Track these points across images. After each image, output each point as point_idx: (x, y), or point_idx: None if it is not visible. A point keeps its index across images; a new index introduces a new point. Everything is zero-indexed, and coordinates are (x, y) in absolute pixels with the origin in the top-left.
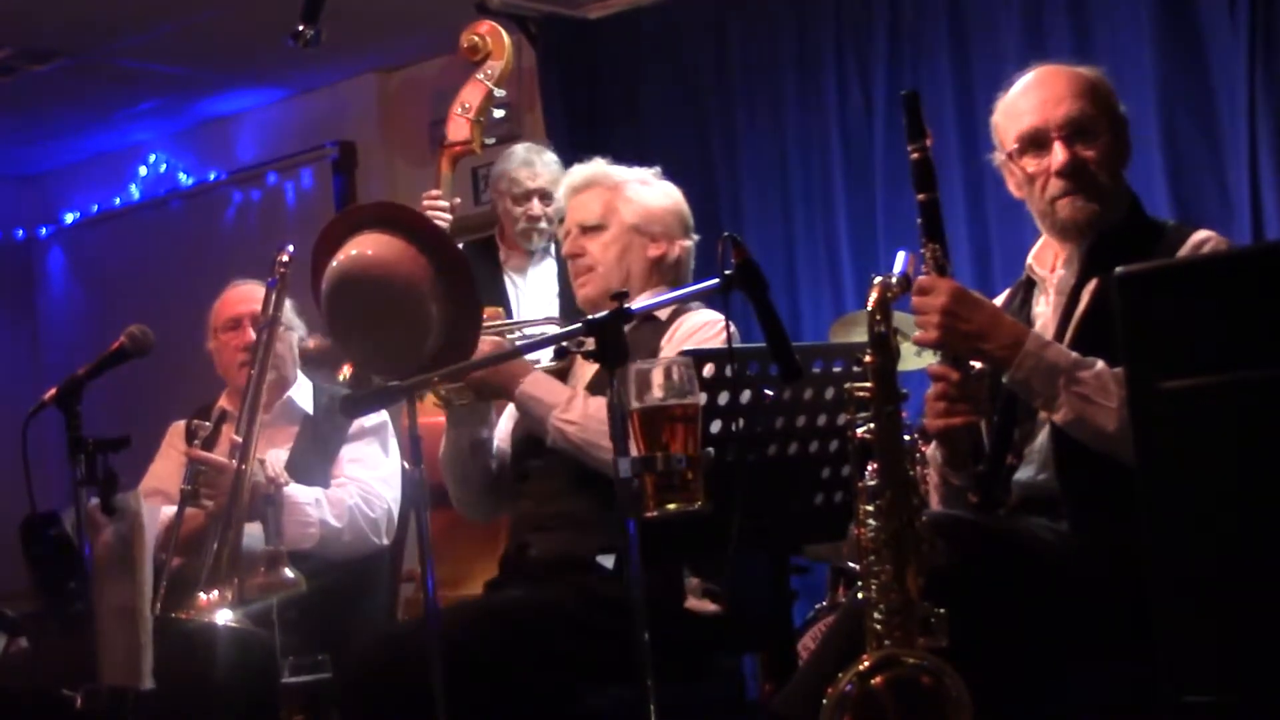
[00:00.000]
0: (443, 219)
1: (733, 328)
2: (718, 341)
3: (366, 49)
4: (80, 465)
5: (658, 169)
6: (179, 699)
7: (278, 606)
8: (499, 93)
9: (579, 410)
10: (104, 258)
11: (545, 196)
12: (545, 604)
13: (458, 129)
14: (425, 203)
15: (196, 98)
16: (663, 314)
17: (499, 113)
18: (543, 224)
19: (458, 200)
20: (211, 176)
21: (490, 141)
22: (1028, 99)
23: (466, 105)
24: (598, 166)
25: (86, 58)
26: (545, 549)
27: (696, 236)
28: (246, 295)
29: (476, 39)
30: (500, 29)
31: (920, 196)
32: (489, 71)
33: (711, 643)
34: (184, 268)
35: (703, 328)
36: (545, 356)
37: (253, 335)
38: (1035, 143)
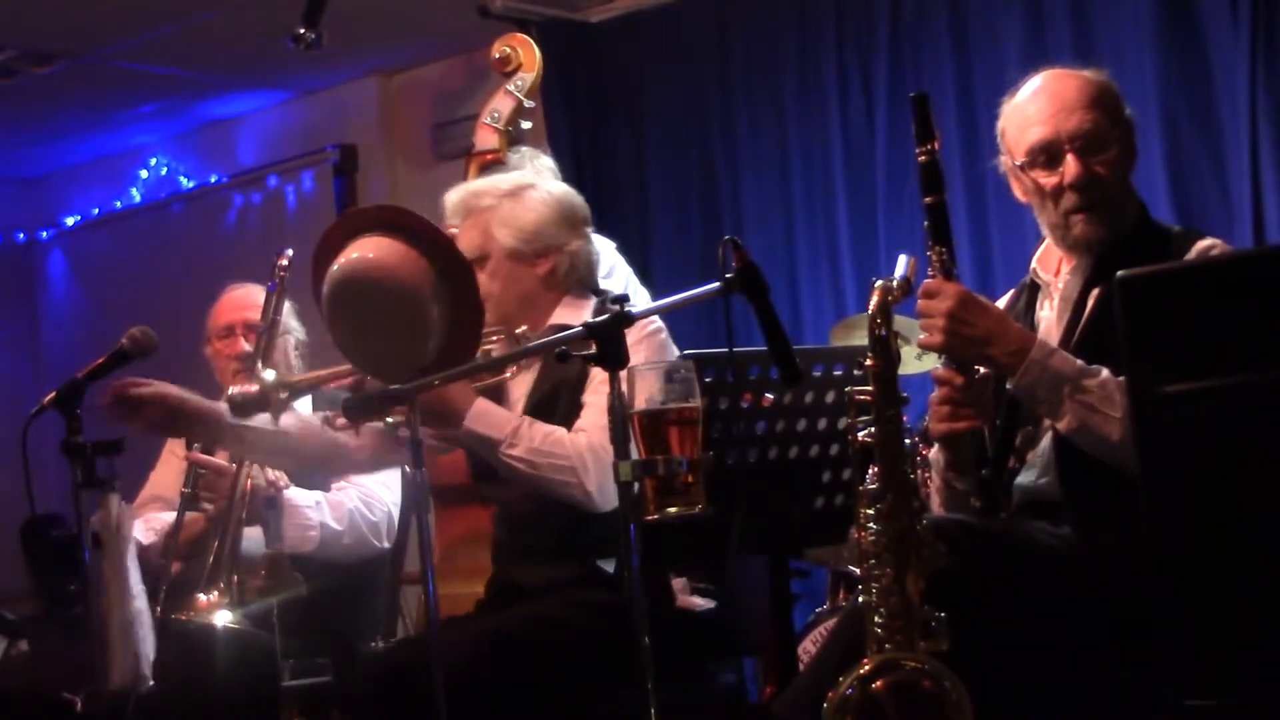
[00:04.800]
0: None
1: (659, 322)
2: (648, 342)
3: (367, 52)
4: (79, 468)
5: (543, 159)
6: (179, 700)
7: (278, 609)
8: (528, 104)
9: (525, 445)
10: (105, 260)
11: None
12: (544, 620)
13: (486, 138)
14: None
15: (197, 100)
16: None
17: (526, 124)
18: None
19: None
20: (212, 179)
21: (516, 153)
22: (1038, 107)
23: (497, 114)
24: (468, 189)
25: (87, 60)
26: (527, 579)
27: (590, 227)
28: (241, 301)
29: (509, 50)
30: (531, 41)
31: (927, 199)
32: (519, 83)
33: (708, 642)
34: (185, 270)
35: (645, 327)
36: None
37: (244, 346)
38: (1047, 155)
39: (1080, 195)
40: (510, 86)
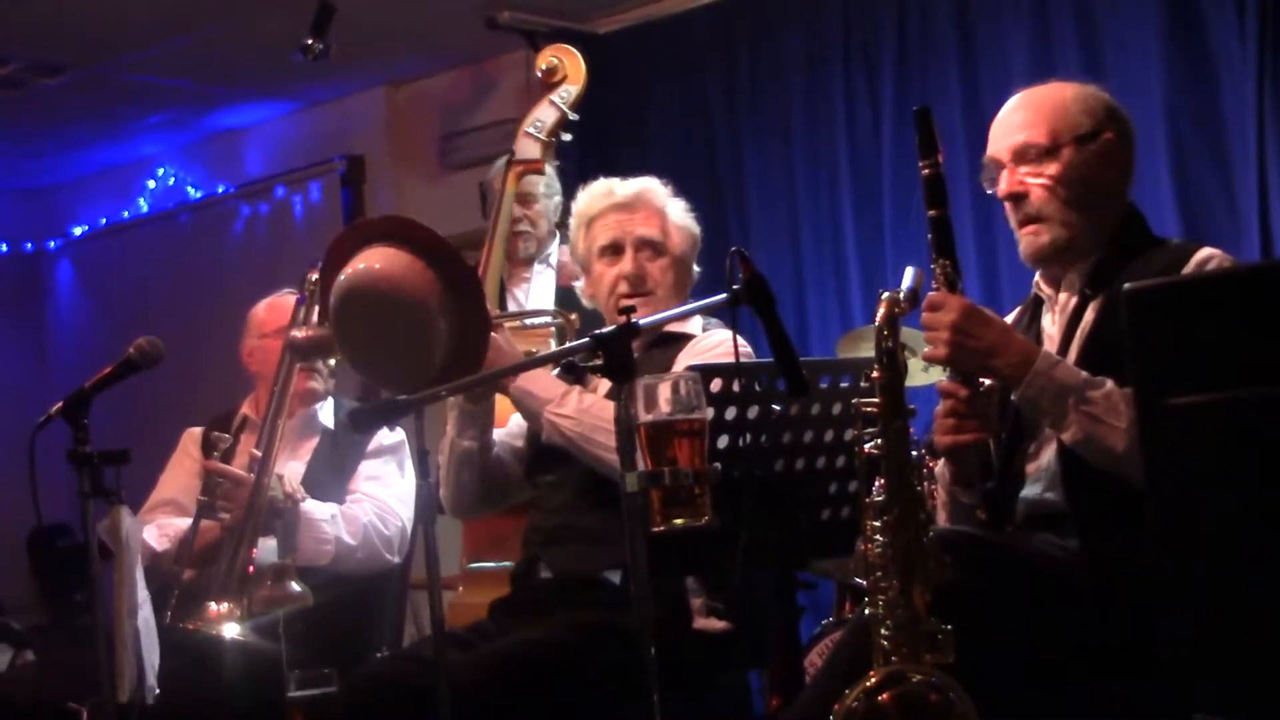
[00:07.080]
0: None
1: (744, 345)
2: (726, 360)
3: (375, 63)
4: (85, 478)
5: (546, 167)
6: (184, 711)
7: (286, 620)
8: (572, 116)
9: (574, 405)
10: (112, 270)
11: (524, 200)
12: (552, 645)
13: (528, 147)
14: None
15: (205, 111)
16: (691, 329)
17: (566, 136)
18: (524, 227)
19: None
20: (220, 190)
21: (554, 164)
22: (995, 126)
23: (540, 124)
24: (637, 182)
25: (96, 71)
26: (553, 565)
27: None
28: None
29: (555, 61)
30: (577, 54)
31: (931, 212)
32: (564, 95)
33: (720, 660)
34: (192, 280)
35: (718, 346)
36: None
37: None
38: (992, 170)
39: (1013, 208)
40: (554, 98)
